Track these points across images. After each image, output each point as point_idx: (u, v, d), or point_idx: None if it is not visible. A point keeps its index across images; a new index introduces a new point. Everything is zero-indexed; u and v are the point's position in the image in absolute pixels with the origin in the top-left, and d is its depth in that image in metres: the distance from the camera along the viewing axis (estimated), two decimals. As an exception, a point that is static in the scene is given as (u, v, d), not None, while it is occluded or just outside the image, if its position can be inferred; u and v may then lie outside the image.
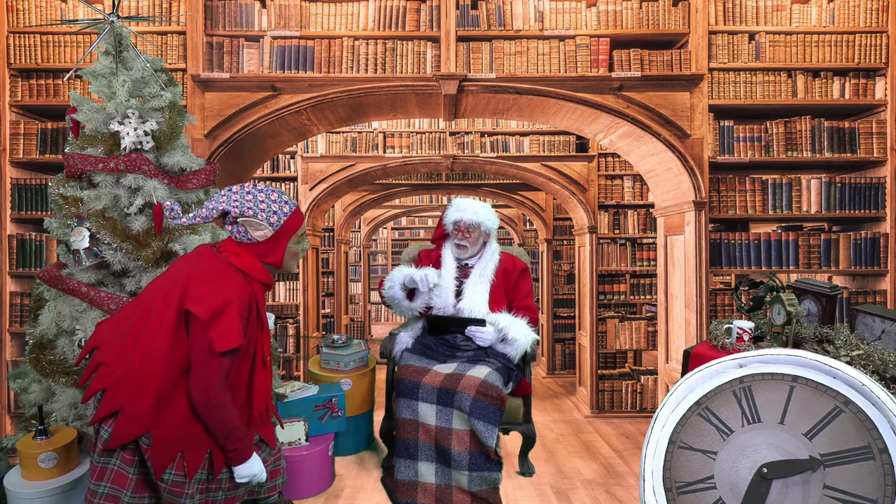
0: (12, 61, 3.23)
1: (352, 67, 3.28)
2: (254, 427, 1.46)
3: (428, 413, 1.96)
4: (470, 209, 2.29)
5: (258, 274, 1.44)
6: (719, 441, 1.29)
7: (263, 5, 3.31)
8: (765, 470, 1.21)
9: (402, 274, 2.23)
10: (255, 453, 1.44)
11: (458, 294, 2.27)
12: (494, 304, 2.25)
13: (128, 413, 1.32)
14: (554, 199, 6.27)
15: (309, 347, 5.18)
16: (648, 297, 5.16)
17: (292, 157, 5.27)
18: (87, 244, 1.96)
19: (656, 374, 4.34)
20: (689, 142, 3.32)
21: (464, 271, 2.32)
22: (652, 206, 4.18)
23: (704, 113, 3.32)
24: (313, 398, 2.25)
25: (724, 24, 3.34)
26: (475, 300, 2.22)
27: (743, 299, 2.36)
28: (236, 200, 1.43)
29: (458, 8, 3.28)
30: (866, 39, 3.32)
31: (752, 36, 3.35)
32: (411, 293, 2.26)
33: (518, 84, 3.28)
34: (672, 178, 3.51)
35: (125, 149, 2.00)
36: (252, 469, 1.42)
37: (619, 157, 5.06)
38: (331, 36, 3.29)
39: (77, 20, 2.15)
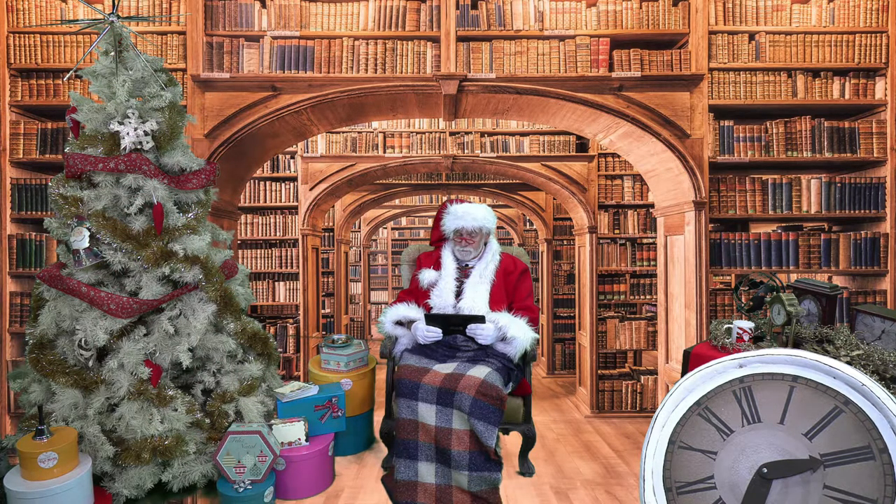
0: (12, 61, 3.23)
1: (352, 67, 3.28)
2: None
3: (428, 413, 1.96)
4: (469, 216, 2.28)
5: None
6: (719, 441, 1.29)
7: (263, 5, 3.31)
8: (765, 470, 1.21)
9: (394, 315, 2.28)
10: None
11: (458, 294, 2.27)
12: (495, 305, 2.24)
13: None
14: (554, 199, 6.27)
15: (309, 347, 5.17)
16: (648, 297, 5.17)
17: (292, 157, 5.27)
18: (87, 244, 1.96)
19: (656, 374, 4.33)
20: (689, 142, 3.32)
21: (464, 272, 2.32)
22: (652, 206, 4.18)
23: (704, 113, 3.32)
24: (313, 398, 2.25)
25: (724, 24, 3.33)
26: (475, 300, 2.22)
27: (743, 299, 2.36)
28: None
29: (458, 8, 3.27)
30: (866, 39, 3.32)
31: (752, 36, 3.35)
32: (409, 322, 2.28)
33: (518, 84, 3.28)
34: (672, 178, 3.51)
35: (125, 149, 2.00)
36: None
37: (619, 157, 5.06)
38: (331, 36, 3.28)
39: (77, 20, 2.15)
